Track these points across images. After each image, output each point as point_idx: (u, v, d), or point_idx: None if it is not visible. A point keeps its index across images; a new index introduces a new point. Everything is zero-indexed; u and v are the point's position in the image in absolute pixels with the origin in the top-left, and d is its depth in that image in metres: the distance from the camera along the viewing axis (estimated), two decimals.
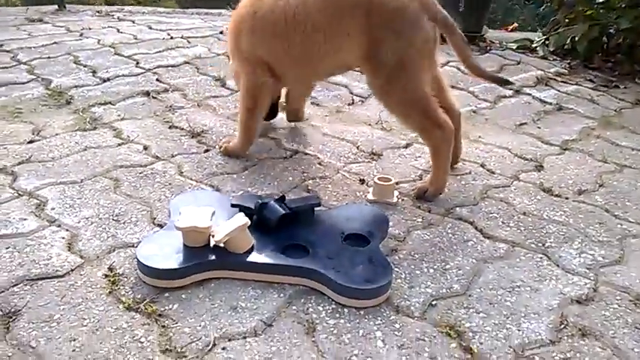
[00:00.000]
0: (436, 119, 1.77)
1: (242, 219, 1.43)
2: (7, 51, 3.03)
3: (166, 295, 1.34)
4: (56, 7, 4.15)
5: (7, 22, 3.71)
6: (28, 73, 2.74)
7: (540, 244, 1.66)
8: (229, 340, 1.23)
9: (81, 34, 3.45)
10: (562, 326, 1.33)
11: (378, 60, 1.74)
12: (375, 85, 1.82)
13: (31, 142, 2.07)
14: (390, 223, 1.65)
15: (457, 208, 1.82)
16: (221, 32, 3.64)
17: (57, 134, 2.14)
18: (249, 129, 2.03)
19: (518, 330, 1.31)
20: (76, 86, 2.61)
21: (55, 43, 3.22)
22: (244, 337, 1.24)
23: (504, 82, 2.00)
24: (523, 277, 1.50)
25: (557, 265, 1.56)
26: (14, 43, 3.16)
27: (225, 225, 1.42)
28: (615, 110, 2.84)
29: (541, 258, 1.59)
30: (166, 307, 1.30)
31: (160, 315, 1.28)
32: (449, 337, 1.28)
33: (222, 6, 4.57)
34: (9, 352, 1.15)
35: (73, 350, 1.17)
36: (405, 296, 1.40)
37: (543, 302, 1.41)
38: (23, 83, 2.62)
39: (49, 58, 2.96)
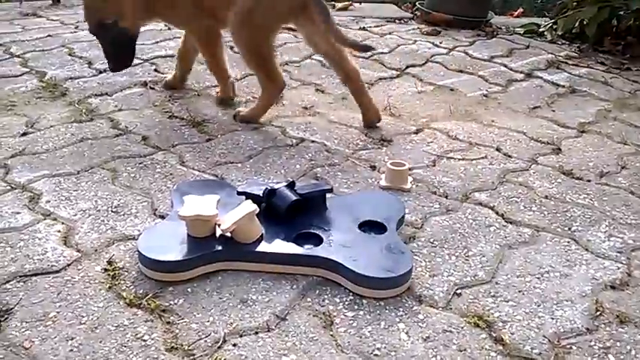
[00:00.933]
0: (270, 73, 2.09)
1: (250, 206, 1.33)
2: (0, 44, 2.93)
3: (171, 289, 1.24)
4: (50, 1, 4.05)
5: (0, 16, 3.61)
6: (22, 66, 2.63)
7: (566, 228, 1.56)
8: (240, 335, 1.13)
9: (76, 27, 3.34)
10: (598, 313, 1.24)
11: (241, 10, 2.00)
12: (231, 27, 2.06)
13: (24, 134, 1.97)
14: (406, 210, 1.55)
15: (475, 193, 1.72)
16: None
17: (52, 126, 2.04)
18: (223, 70, 2.31)
19: (552, 318, 1.21)
20: (71, 78, 2.51)
21: (49, 35, 3.12)
22: (256, 333, 1.14)
23: (365, 49, 2.20)
24: (551, 262, 1.41)
25: (587, 250, 1.47)
26: (7, 37, 3.05)
27: (232, 213, 1.32)
28: (630, 92, 2.74)
29: (568, 242, 1.49)
30: (171, 302, 1.20)
31: (164, 311, 1.18)
32: (477, 328, 1.18)
33: None
34: (0, 354, 1.06)
35: (70, 350, 1.07)
36: (427, 285, 1.30)
37: (576, 288, 1.31)
38: (16, 76, 2.52)
39: (43, 50, 2.86)
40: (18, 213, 1.50)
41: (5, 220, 1.46)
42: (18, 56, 2.76)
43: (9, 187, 1.62)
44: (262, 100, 2.16)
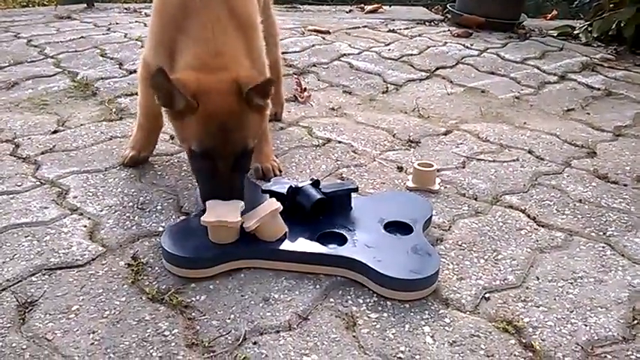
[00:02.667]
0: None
1: (273, 204, 1.31)
2: (35, 46, 2.99)
3: (193, 285, 1.23)
4: (85, 5, 4.13)
5: (36, 19, 3.69)
6: (55, 67, 2.69)
7: (601, 233, 1.50)
8: (261, 334, 1.11)
9: (108, 29, 3.41)
10: (635, 322, 1.18)
11: None
12: None
13: (55, 132, 2.00)
14: (433, 211, 1.52)
15: (506, 196, 1.67)
16: None
17: (82, 125, 2.07)
18: None
19: (585, 325, 1.16)
20: (102, 78, 2.55)
21: (82, 37, 3.18)
22: (277, 332, 1.12)
23: None
24: (585, 267, 1.35)
25: (623, 255, 1.40)
26: (42, 39, 3.12)
27: (256, 211, 1.30)
28: None
29: (603, 247, 1.43)
30: (193, 299, 1.19)
31: (185, 307, 1.17)
32: (506, 333, 1.13)
33: None
34: (23, 345, 1.06)
35: (92, 343, 1.07)
36: (454, 288, 1.26)
37: (611, 295, 1.25)
38: (49, 76, 2.57)
39: (75, 51, 2.92)
40: (46, 208, 1.51)
41: (33, 214, 1.48)
42: (52, 57, 2.82)
43: (38, 183, 1.64)
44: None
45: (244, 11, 1.53)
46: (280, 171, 1.75)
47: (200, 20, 1.43)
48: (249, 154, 1.40)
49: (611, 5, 3.50)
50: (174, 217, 1.50)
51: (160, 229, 1.44)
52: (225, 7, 1.47)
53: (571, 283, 1.29)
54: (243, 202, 1.34)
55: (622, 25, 3.35)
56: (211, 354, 1.06)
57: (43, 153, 1.83)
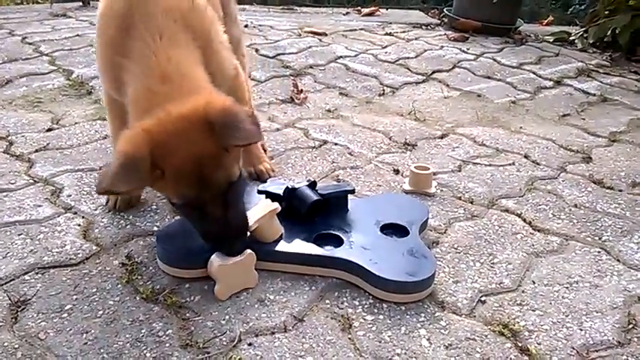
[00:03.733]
0: None
1: (271, 204, 1.30)
2: (30, 43, 2.97)
3: (187, 285, 1.22)
4: (80, 3, 4.11)
5: (31, 17, 3.67)
6: (50, 64, 2.67)
7: (597, 238, 1.50)
8: (256, 335, 1.10)
9: None
10: (630, 326, 1.18)
11: None
12: None
13: (49, 130, 1.99)
14: (430, 214, 1.51)
15: (502, 200, 1.67)
16: (246, 26, 3.55)
17: (76, 123, 2.06)
18: None
19: (580, 329, 1.16)
20: (97, 77, 2.52)
21: (77, 35, 3.16)
22: (273, 333, 1.11)
23: None
24: (581, 272, 1.35)
25: (618, 260, 1.41)
26: (37, 36, 3.10)
27: (253, 211, 1.30)
28: None
29: (599, 252, 1.44)
30: (187, 299, 1.19)
31: (180, 307, 1.16)
32: (502, 337, 1.13)
33: (246, 2, 4.50)
34: (15, 344, 1.05)
35: (85, 343, 1.06)
36: (450, 291, 1.26)
37: (606, 299, 1.25)
38: (44, 74, 2.55)
39: (70, 50, 2.90)
40: (39, 206, 1.50)
41: (27, 212, 1.46)
42: (47, 55, 2.80)
43: (32, 181, 1.62)
44: None
45: (195, 17, 1.31)
46: (273, 171, 1.73)
47: (140, 37, 1.21)
48: (239, 183, 1.19)
49: (606, 12, 3.51)
50: (168, 217, 1.49)
51: (155, 228, 1.43)
52: (169, 17, 1.24)
53: (567, 288, 1.29)
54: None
55: (617, 31, 3.37)
56: (206, 355, 1.05)
57: (37, 151, 1.81)
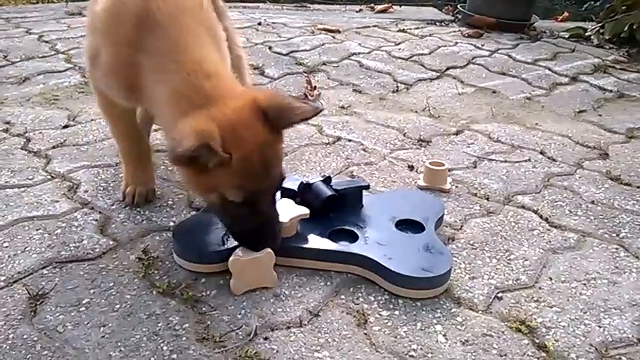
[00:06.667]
0: None
1: (302, 209, 1.31)
2: (46, 41, 3.00)
3: (203, 280, 1.23)
4: None
5: (47, 15, 3.70)
6: (66, 62, 2.69)
7: (614, 235, 1.48)
8: (272, 329, 1.10)
9: None
10: None
11: None
12: None
13: (66, 126, 2.00)
14: (445, 211, 1.50)
15: (518, 196, 1.66)
16: (259, 23, 3.56)
17: (92, 120, 2.07)
18: None
19: (599, 326, 1.15)
20: None
21: None
22: (288, 327, 1.11)
23: None
24: (598, 268, 1.34)
25: (637, 257, 1.39)
26: (53, 34, 3.13)
27: (281, 208, 1.29)
28: None
29: (617, 249, 1.42)
30: (203, 293, 1.19)
31: (196, 301, 1.17)
32: (519, 333, 1.12)
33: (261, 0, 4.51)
34: (34, 337, 1.06)
35: (102, 336, 1.07)
36: (467, 287, 1.25)
37: (625, 296, 1.24)
38: (61, 72, 2.57)
39: None
40: (57, 201, 1.51)
41: (44, 207, 1.48)
42: (63, 53, 2.83)
43: (49, 177, 1.64)
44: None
45: (207, 16, 1.31)
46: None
47: (166, 36, 1.19)
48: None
49: (623, 7, 3.47)
50: (184, 212, 1.49)
51: (171, 223, 1.43)
52: (190, 15, 1.25)
53: (584, 284, 1.28)
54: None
55: (634, 27, 3.33)
56: (222, 349, 1.05)
57: (54, 147, 1.83)
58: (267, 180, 1.13)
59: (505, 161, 1.88)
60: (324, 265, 1.28)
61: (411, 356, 1.06)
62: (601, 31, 3.54)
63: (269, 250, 1.20)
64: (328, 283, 1.24)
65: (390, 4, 4.34)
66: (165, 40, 1.20)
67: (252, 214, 1.14)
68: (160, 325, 1.10)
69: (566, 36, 3.60)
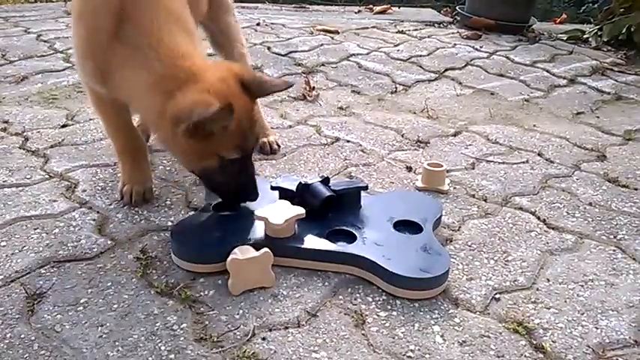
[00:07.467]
0: None
1: (298, 209, 1.31)
2: (45, 41, 3.00)
3: (201, 280, 1.23)
4: None
5: (46, 14, 3.70)
6: (64, 62, 2.69)
7: (612, 236, 1.49)
8: (270, 330, 1.10)
9: None
10: None
11: None
12: None
13: (64, 126, 2.00)
14: (443, 212, 1.51)
15: (516, 198, 1.66)
16: (258, 24, 3.56)
17: (91, 119, 2.07)
18: None
19: (596, 328, 1.15)
20: None
21: None
22: (286, 328, 1.11)
23: None
24: (596, 270, 1.34)
25: (634, 259, 1.39)
26: (52, 34, 3.13)
27: (276, 209, 1.30)
28: None
29: (614, 251, 1.42)
30: (201, 293, 1.19)
31: (194, 301, 1.17)
32: (517, 334, 1.13)
33: (259, 0, 4.51)
34: (32, 336, 1.06)
35: (100, 336, 1.07)
36: (464, 288, 1.25)
37: (622, 298, 1.24)
38: (59, 71, 2.57)
39: None
40: (55, 201, 1.51)
41: (42, 207, 1.48)
42: (61, 52, 2.82)
43: (47, 176, 1.64)
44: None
45: (177, 6, 1.36)
46: (279, 146, 1.87)
47: (140, 24, 1.26)
48: None
49: (621, 10, 3.48)
50: (182, 212, 1.49)
51: (169, 223, 1.43)
52: (159, 2, 1.31)
53: (582, 286, 1.28)
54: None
55: (632, 29, 3.33)
56: (220, 349, 1.05)
57: (52, 146, 1.83)
58: (253, 139, 1.32)
59: (503, 163, 1.89)
60: (322, 266, 1.28)
61: (409, 357, 1.06)
62: (599, 33, 3.55)
63: (267, 249, 1.21)
64: (326, 284, 1.24)
65: (389, 6, 4.34)
66: (140, 27, 1.27)
67: (241, 171, 1.31)
68: (157, 324, 1.10)
69: (565, 38, 3.61)
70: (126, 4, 1.27)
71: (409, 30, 3.64)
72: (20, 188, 1.56)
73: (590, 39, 3.56)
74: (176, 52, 1.25)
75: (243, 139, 1.27)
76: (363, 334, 1.11)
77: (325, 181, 1.42)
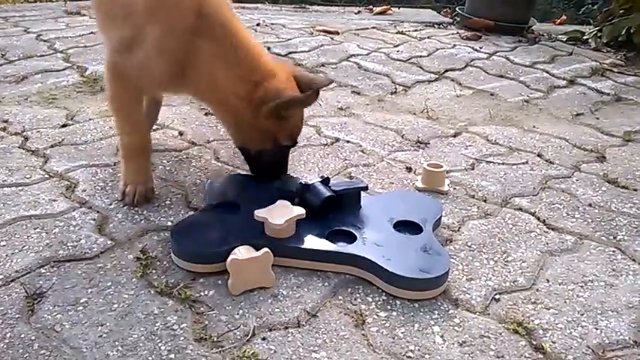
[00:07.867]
0: None
1: (298, 209, 1.31)
2: (45, 40, 3.00)
3: (201, 280, 1.23)
4: None
5: (46, 14, 3.70)
6: (64, 61, 2.69)
7: (612, 237, 1.49)
8: (270, 330, 1.11)
9: None
10: None
11: None
12: None
13: (64, 126, 2.00)
14: (443, 212, 1.51)
15: (516, 198, 1.66)
16: (258, 24, 3.56)
17: (90, 119, 2.07)
18: None
19: (596, 328, 1.15)
20: None
21: (91, 33, 3.18)
22: (286, 328, 1.11)
23: None
24: (596, 271, 1.34)
25: (634, 260, 1.40)
26: (52, 33, 3.13)
27: (277, 209, 1.30)
28: None
29: (614, 251, 1.42)
30: (201, 293, 1.19)
31: (194, 301, 1.17)
32: (517, 335, 1.13)
33: (259, 0, 4.51)
34: (32, 336, 1.06)
35: (100, 336, 1.07)
36: (464, 289, 1.25)
37: (622, 299, 1.25)
38: (59, 71, 2.57)
39: (85, 47, 2.92)
40: (54, 200, 1.51)
41: (42, 206, 1.48)
42: (61, 52, 2.82)
43: (47, 176, 1.64)
44: None
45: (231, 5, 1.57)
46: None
47: (219, 22, 1.42)
48: None
49: (620, 11, 3.49)
50: (182, 212, 1.49)
51: (169, 223, 1.43)
52: (227, 3, 1.51)
53: (581, 287, 1.28)
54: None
55: (632, 30, 3.34)
56: (220, 349, 1.05)
57: (52, 146, 1.83)
58: (299, 132, 1.54)
59: (503, 163, 1.89)
60: (322, 266, 1.28)
61: (409, 357, 1.06)
62: (599, 34, 3.56)
63: (267, 249, 1.21)
64: (326, 284, 1.24)
65: (389, 6, 4.35)
66: (220, 26, 1.42)
67: (284, 157, 1.55)
68: (157, 324, 1.10)
69: (564, 39, 3.61)
70: (202, 3, 1.40)
71: (409, 31, 3.64)
72: (20, 188, 1.56)
73: (589, 40, 3.56)
74: (254, 50, 1.45)
75: (296, 130, 1.52)
76: (362, 334, 1.11)
77: (325, 181, 1.42)
